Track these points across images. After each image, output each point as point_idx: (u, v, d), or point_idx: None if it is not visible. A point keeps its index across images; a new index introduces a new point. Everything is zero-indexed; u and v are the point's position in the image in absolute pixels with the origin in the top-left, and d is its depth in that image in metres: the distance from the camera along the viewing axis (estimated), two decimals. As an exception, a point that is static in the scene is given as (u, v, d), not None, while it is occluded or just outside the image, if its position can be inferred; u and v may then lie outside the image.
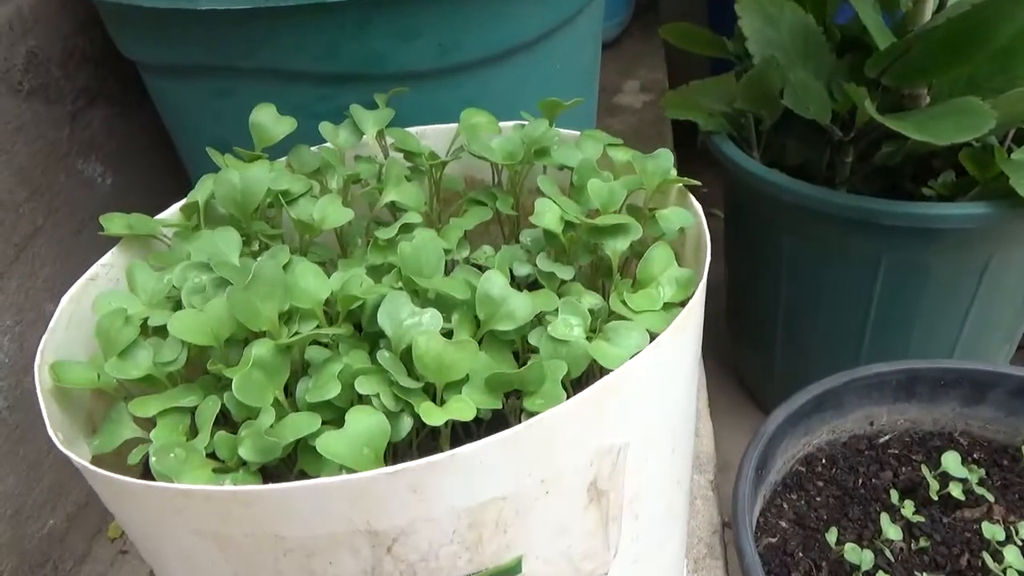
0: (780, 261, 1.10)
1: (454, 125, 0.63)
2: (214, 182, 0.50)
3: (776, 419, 0.81)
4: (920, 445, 0.89)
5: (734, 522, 0.71)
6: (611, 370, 0.41)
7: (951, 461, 0.81)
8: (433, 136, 0.64)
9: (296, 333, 0.43)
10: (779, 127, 1.11)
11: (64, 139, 0.81)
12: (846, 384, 0.86)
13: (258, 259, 0.42)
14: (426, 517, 0.37)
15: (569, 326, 0.43)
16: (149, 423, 0.45)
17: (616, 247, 0.47)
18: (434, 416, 0.39)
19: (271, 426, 0.40)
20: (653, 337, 0.43)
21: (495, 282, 0.44)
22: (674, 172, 0.52)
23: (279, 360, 0.41)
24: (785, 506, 0.84)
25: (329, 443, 0.37)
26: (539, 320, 0.46)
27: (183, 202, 0.54)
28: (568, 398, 0.41)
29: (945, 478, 0.81)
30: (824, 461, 0.88)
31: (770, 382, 1.27)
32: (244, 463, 0.40)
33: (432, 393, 0.42)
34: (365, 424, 0.39)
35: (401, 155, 0.61)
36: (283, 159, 0.60)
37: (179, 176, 0.89)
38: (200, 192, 0.52)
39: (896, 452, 0.89)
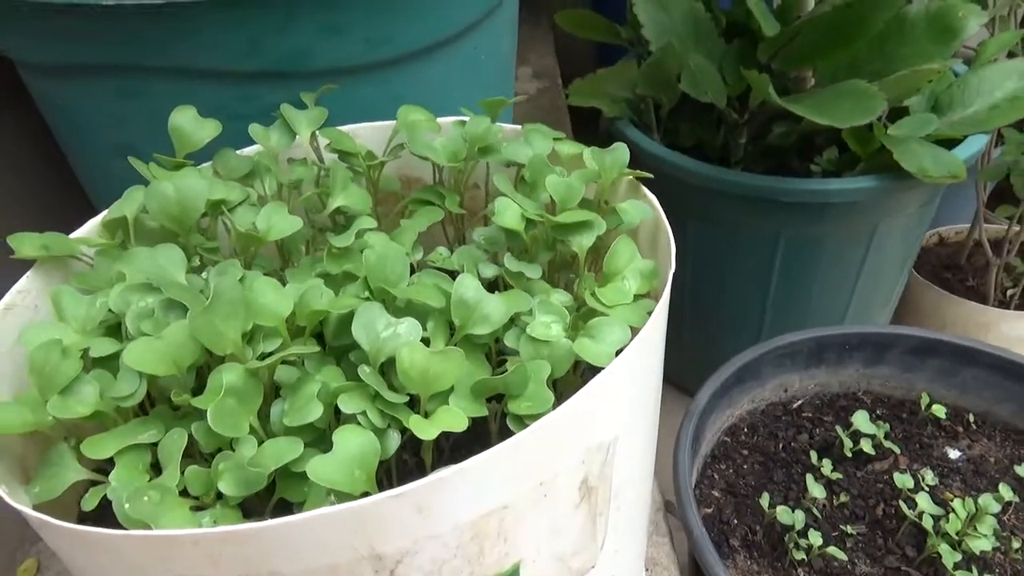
0: (685, 241, 1.13)
1: (387, 123, 0.61)
2: (145, 195, 0.46)
3: (704, 395, 0.84)
4: (829, 407, 0.95)
5: (678, 500, 0.74)
6: (592, 365, 0.41)
7: (861, 419, 0.87)
8: (365, 135, 0.61)
9: (263, 354, 0.40)
10: (674, 111, 1.15)
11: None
12: (763, 355, 0.90)
13: (212, 277, 0.39)
14: (431, 535, 0.36)
15: (547, 325, 0.43)
16: (95, 463, 0.41)
17: (582, 243, 0.47)
18: (426, 430, 0.37)
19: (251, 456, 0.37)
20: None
21: (469, 285, 0.43)
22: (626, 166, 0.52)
23: (251, 385, 0.38)
24: (716, 476, 0.88)
25: (320, 468, 0.35)
26: (512, 322, 0.45)
27: (104, 217, 0.49)
28: (553, 398, 0.41)
29: (856, 435, 0.87)
30: (746, 430, 0.93)
31: (680, 362, 1.32)
32: (220, 497, 0.37)
33: (415, 405, 0.41)
34: (356, 444, 0.37)
35: (335, 156, 0.58)
36: (207, 164, 0.56)
37: (70, 189, 0.81)
38: (127, 205, 0.47)
39: (809, 415, 0.94)
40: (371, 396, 0.39)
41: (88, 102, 0.63)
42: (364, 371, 0.39)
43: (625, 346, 0.41)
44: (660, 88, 1.13)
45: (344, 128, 0.60)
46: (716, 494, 0.86)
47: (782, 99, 0.92)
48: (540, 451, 0.37)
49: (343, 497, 0.37)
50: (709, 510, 0.84)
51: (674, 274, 1.20)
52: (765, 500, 0.80)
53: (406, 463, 0.49)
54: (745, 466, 0.89)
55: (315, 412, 0.38)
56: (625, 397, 0.41)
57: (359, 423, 0.38)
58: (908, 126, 1.02)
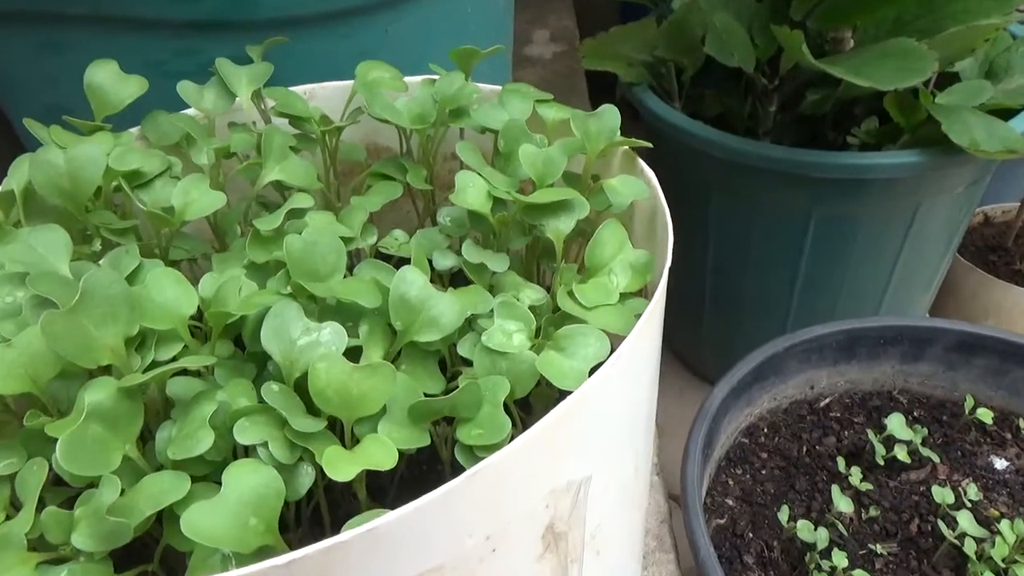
0: (708, 219, 1.04)
1: (349, 82, 0.53)
2: (29, 166, 0.38)
3: (719, 394, 0.76)
4: (861, 406, 0.86)
5: (685, 514, 0.65)
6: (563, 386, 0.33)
7: (896, 423, 0.78)
8: (323, 96, 0.53)
9: (152, 364, 0.33)
10: (698, 76, 1.05)
11: None
12: (787, 349, 0.81)
13: (91, 269, 0.31)
14: (339, 607, 0.28)
15: (507, 334, 0.34)
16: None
17: (559, 228, 0.38)
18: (342, 468, 0.29)
19: (121, 493, 0.29)
20: (611, 339, 0.35)
21: (412, 282, 0.34)
22: (619, 133, 0.43)
23: (127, 405, 0.30)
24: (731, 482, 0.79)
25: (199, 519, 0.27)
26: (469, 324, 0.37)
27: (-3, 191, 0.42)
28: (513, 423, 0.33)
29: (889, 440, 0.78)
30: (766, 430, 0.84)
31: (698, 346, 1.23)
32: (87, 546, 0.30)
33: (339, 429, 0.33)
34: (250, 485, 0.29)
35: (285, 121, 0.49)
36: (134, 130, 0.48)
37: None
38: (15, 179, 0.40)
39: (837, 415, 0.85)
40: (279, 422, 0.31)
41: (13, 58, 0.55)
42: (271, 390, 0.31)
43: (603, 361, 0.32)
44: (682, 50, 1.03)
45: (298, 89, 0.51)
46: (730, 502, 0.77)
47: (819, 60, 0.82)
48: (482, 499, 0.29)
49: (240, 556, 0.29)
50: (721, 520, 0.75)
51: (696, 256, 1.09)
52: (784, 514, 0.72)
53: (352, 494, 0.41)
54: (764, 471, 0.80)
55: (203, 443, 0.30)
56: (600, 424, 0.33)
57: (260, 456, 0.30)
58: (959, 94, 0.91)
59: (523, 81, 0.68)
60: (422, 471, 0.45)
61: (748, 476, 0.80)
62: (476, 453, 0.33)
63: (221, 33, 0.52)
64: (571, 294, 0.36)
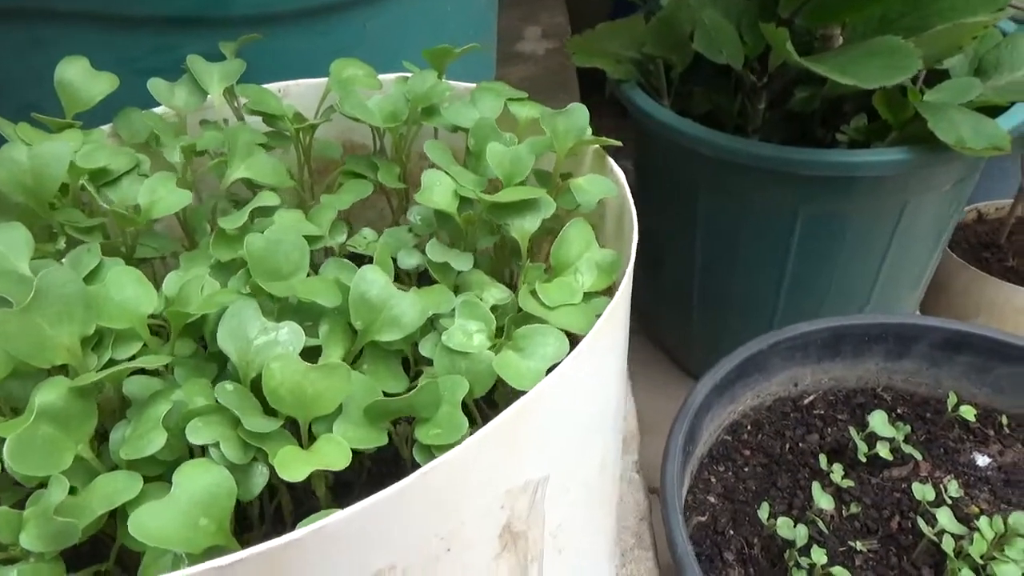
0: (696, 217, 1.04)
1: (324, 80, 0.53)
2: (-7, 162, 0.38)
3: (702, 390, 0.76)
4: (844, 403, 0.86)
5: (664, 512, 0.65)
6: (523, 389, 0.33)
7: (878, 420, 0.78)
8: (297, 94, 0.53)
9: (109, 363, 0.33)
10: (686, 73, 1.04)
11: None
12: (772, 346, 0.81)
13: (44, 269, 0.31)
14: (288, 608, 0.28)
15: (468, 334, 0.34)
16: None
17: (524, 227, 0.38)
18: (294, 468, 0.29)
19: (74, 493, 0.29)
20: (572, 338, 0.35)
21: (373, 281, 0.34)
22: (589, 131, 0.43)
23: (79, 405, 0.30)
24: (713, 479, 0.79)
25: (148, 520, 0.27)
26: (432, 324, 0.36)
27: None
28: (472, 423, 0.33)
29: (872, 438, 0.78)
30: (750, 427, 0.84)
31: (687, 343, 1.23)
32: (40, 546, 0.30)
33: (296, 428, 0.33)
34: (201, 485, 0.29)
35: (259, 119, 0.49)
36: (106, 127, 0.48)
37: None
38: (-21, 176, 0.40)
39: (821, 412, 0.85)
40: (233, 422, 0.31)
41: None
42: (225, 390, 0.31)
43: (561, 361, 0.32)
44: (670, 47, 1.03)
45: (272, 86, 0.51)
46: (712, 500, 0.77)
47: (803, 58, 0.82)
48: (436, 498, 0.29)
49: (191, 556, 0.29)
50: (703, 518, 0.75)
51: (684, 253, 1.09)
52: (764, 511, 0.72)
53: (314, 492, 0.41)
54: (746, 468, 0.80)
55: (156, 443, 0.30)
56: (558, 424, 0.33)
57: (212, 456, 0.30)
58: (947, 91, 0.91)
59: (514, 78, 0.68)
60: (389, 468, 0.45)
61: (731, 473, 0.80)
62: (434, 452, 0.33)
63: (199, 29, 0.51)
64: (534, 293, 0.36)
